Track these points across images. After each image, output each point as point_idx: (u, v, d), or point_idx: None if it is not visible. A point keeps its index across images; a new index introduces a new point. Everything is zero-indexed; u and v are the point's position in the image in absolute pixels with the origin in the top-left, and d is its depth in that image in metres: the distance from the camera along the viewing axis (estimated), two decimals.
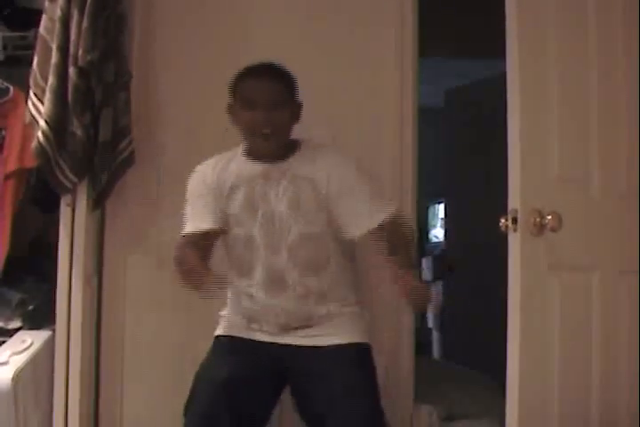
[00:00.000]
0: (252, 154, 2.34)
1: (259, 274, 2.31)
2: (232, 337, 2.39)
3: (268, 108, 2.23)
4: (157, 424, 2.71)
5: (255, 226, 2.30)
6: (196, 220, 2.33)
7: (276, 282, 2.30)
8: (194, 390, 2.32)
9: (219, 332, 2.42)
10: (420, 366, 2.82)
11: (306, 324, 2.32)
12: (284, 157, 2.32)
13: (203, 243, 2.29)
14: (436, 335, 5.69)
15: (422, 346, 4.72)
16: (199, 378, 2.33)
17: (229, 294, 2.43)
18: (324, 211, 2.29)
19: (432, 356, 5.52)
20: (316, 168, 2.30)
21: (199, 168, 2.40)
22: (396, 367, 2.63)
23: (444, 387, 3.04)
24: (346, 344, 2.31)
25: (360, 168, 2.33)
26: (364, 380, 2.29)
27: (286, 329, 2.32)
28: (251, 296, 2.33)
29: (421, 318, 5.47)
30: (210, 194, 2.33)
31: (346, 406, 2.22)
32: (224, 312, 2.44)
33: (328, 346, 2.30)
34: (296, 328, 2.32)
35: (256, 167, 2.32)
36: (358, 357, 2.32)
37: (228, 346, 2.38)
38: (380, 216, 2.25)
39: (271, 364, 2.33)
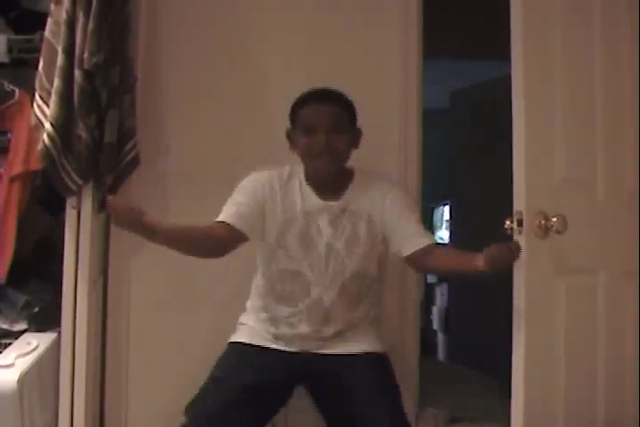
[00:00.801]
0: (313, 180, 2.35)
1: (304, 307, 2.35)
2: (253, 345, 2.40)
3: (328, 132, 2.26)
4: (163, 424, 2.70)
5: (307, 261, 2.33)
6: (233, 213, 2.29)
7: (320, 316, 2.35)
8: (206, 389, 2.32)
9: (240, 339, 2.43)
10: (425, 369, 2.82)
11: (333, 339, 2.37)
12: (342, 188, 2.36)
13: (215, 233, 2.25)
14: (441, 337, 5.68)
15: (427, 348, 4.72)
16: (215, 380, 2.34)
17: (256, 303, 2.44)
18: (377, 247, 2.36)
19: (437, 358, 5.51)
20: (371, 201, 2.35)
21: (261, 176, 2.36)
22: (400, 369, 2.62)
23: (449, 389, 3.04)
24: (374, 352, 2.38)
25: (407, 193, 2.45)
26: (392, 385, 2.34)
27: (313, 342, 2.36)
28: (290, 324, 2.37)
29: (426, 319, 5.46)
30: (262, 200, 2.32)
31: (378, 407, 2.25)
32: (245, 320, 2.46)
33: (357, 353, 2.35)
34: (324, 341, 2.36)
35: (317, 201, 2.34)
36: (386, 364, 2.39)
37: (249, 352, 2.40)
38: (431, 237, 2.37)
39: (291, 370, 2.35)
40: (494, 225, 2.25)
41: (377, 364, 2.37)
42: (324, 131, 2.26)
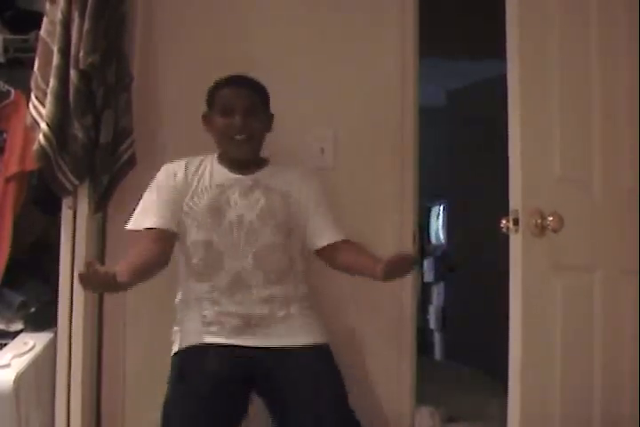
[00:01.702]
0: (226, 160, 2.43)
1: (221, 279, 2.36)
2: (192, 348, 2.38)
3: (243, 114, 2.35)
4: (159, 425, 2.70)
5: (218, 231, 2.36)
6: (154, 216, 2.37)
7: (239, 287, 2.35)
8: (165, 409, 2.32)
9: (177, 348, 2.41)
10: (422, 367, 2.82)
11: (265, 323, 2.35)
12: (255, 169, 2.43)
13: (152, 246, 2.32)
14: (437, 336, 5.69)
15: (424, 347, 4.73)
16: (168, 400, 2.32)
17: (181, 305, 2.46)
18: (290, 223, 2.40)
19: (433, 357, 5.52)
20: (287, 182, 2.43)
21: (169, 164, 2.46)
22: (397, 368, 2.63)
23: (446, 388, 3.04)
24: (312, 344, 2.37)
25: (323, 187, 2.48)
26: (334, 378, 2.33)
27: (246, 327, 2.34)
28: (212, 301, 2.37)
29: (423, 318, 5.47)
30: (174, 192, 2.39)
31: (319, 405, 2.25)
32: (177, 328, 2.46)
33: (294, 346, 2.34)
34: (255, 326, 2.35)
35: (228, 175, 2.41)
36: (325, 356, 2.38)
37: (192, 359, 2.37)
38: (342, 233, 2.43)
39: (237, 367, 2.33)
40: (490, 224, 2.25)
41: (316, 357, 2.35)
42: (241, 112, 2.35)
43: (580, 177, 2.38)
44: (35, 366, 2.63)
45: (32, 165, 2.59)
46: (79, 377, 2.62)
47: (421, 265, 5.35)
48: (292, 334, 2.37)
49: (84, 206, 2.62)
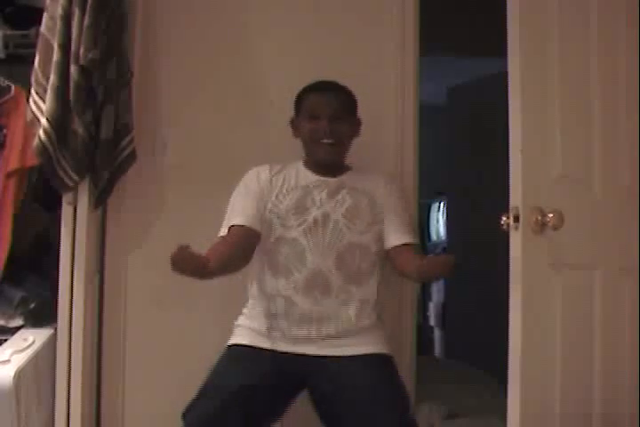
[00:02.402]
0: (312, 164, 2.47)
1: (301, 277, 2.35)
2: (251, 346, 2.39)
3: (330, 119, 2.40)
4: (159, 421, 2.70)
5: (303, 229, 2.37)
6: (240, 215, 2.39)
7: (317, 286, 2.35)
8: (201, 395, 2.30)
9: (236, 341, 2.42)
10: (422, 365, 2.82)
11: (336, 335, 2.34)
12: (340, 173, 2.48)
13: (238, 240, 2.34)
14: (437, 333, 5.69)
15: (424, 344, 4.73)
16: (212, 383, 2.32)
17: (252, 301, 2.45)
18: (377, 224, 2.42)
19: (433, 354, 5.52)
20: (372, 184, 2.47)
21: (254, 168, 2.48)
22: (397, 366, 2.62)
23: (446, 385, 3.04)
24: (375, 353, 2.36)
25: (403, 193, 2.58)
26: (396, 390, 2.30)
27: (315, 338, 2.34)
28: (287, 299, 2.36)
29: (423, 316, 5.47)
30: (259, 193, 2.41)
31: (380, 416, 2.21)
32: (241, 322, 2.46)
33: (357, 355, 2.33)
34: (322, 338, 2.34)
35: (314, 177, 2.45)
36: (389, 367, 2.36)
37: (247, 354, 2.38)
38: (416, 237, 2.48)
39: (291, 373, 2.33)
40: (491, 221, 2.25)
41: (377, 364, 2.34)
42: (327, 117, 2.39)
43: (581, 175, 2.37)
44: (35, 361, 2.63)
45: (32, 160, 2.59)
46: (79, 373, 2.62)
47: None
48: (361, 344, 2.36)
49: (84, 202, 2.62)
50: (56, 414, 2.62)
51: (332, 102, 2.42)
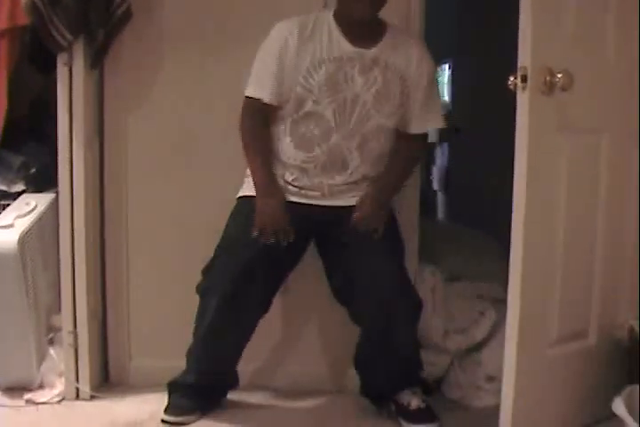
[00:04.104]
0: (345, 22, 2.33)
1: (322, 152, 2.36)
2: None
3: None
4: (164, 277, 2.77)
5: (332, 107, 2.33)
6: (264, 86, 2.34)
7: (336, 164, 2.38)
8: (225, 250, 2.39)
9: (247, 192, 2.44)
10: (425, 228, 2.83)
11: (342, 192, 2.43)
12: (375, 40, 2.34)
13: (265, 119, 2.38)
14: (440, 197, 5.71)
15: (427, 208, 4.75)
16: (231, 240, 2.40)
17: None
18: (404, 107, 2.39)
19: (436, 217, 5.55)
20: (405, 61, 2.36)
21: (284, 26, 2.35)
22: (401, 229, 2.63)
23: (448, 248, 3.06)
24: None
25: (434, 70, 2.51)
26: (396, 240, 2.47)
27: (321, 197, 2.41)
28: (302, 170, 2.39)
29: (427, 179, 5.47)
30: (285, 61, 2.32)
31: (379, 263, 2.38)
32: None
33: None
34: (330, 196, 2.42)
35: (348, 47, 2.32)
36: (391, 218, 2.48)
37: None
38: (438, 123, 2.52)
39: (299, 223, 2.38)
40: (497, 82, 2.19)
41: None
42: None
43: (594, 35, 2.29)
44: (38, 225, 2.65)
45: (24, 19, 2.50)
46: (82, 236, 2.64)
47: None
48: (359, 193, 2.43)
49: (79, 63, 2.55)
50: (62, 275, 2.66)
51: None
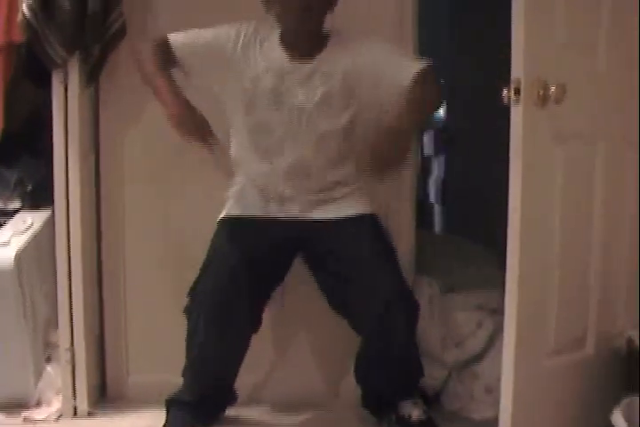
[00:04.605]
0: (285, 40, 2.35)
1: (280, 164, 2.38)
2: (242, 218, 2.45)
3: None
4: (161, 294, 2.76)
5: (280, 117, 2.35)
6: (183, 36, 2.38)
7: (298, 172, 2.38)
8: (204, 270, 2.40)
9: (229, 212, 2.46)
10: (421, 240, 2.83)
11: (319, 207, 2.43)
12: (316, 51, 2.35)
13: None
14: (437, 209, 5.71)
15: (424, 220, 4.75)
16: (213, 259, 2.41)
17: (235, 170, 2.49)
18: (351, 107, 2.38)
19: (433, 230, 5.55)
20: (350, 60, 2.34)
21: (243, 24, 2.38)
22: (397, 241, 2.63)
23: (445, 260, 3.06)
24: (362, 214, 2.45)
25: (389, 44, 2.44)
26: (386, 245, 2.47)
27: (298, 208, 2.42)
28: (268, 182, 2.41)
29: (423, 191, 5.48)
30: (224, 48, 2.35)
31: (373, 268, 2.38)
32: (232, 190, 2.49)
33: (345, 217, 2.43)
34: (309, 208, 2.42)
35: (287, 59, 2.35)
36: (375, 224, 2.48)
37: (239, 226, 2.45)
38: (418, 65, 2.34)
39: (283, 240, 2.42)
40: (491, 95, 2.20)
41: (365, 225, 2.45)
42: None
43: (585, 44, 2.30)
44: (34, 243, 2.65)
45: (19, 36, 2.51)
46: (79, 253, 2.64)
47: (421, 138, 5.31)
48: (345, 206, 2.44)
49: (75, 80, 2.56)
50: (59, 292, 2.65)
51: None
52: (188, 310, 2.41)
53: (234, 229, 2.43)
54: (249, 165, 2.44)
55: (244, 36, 2.35)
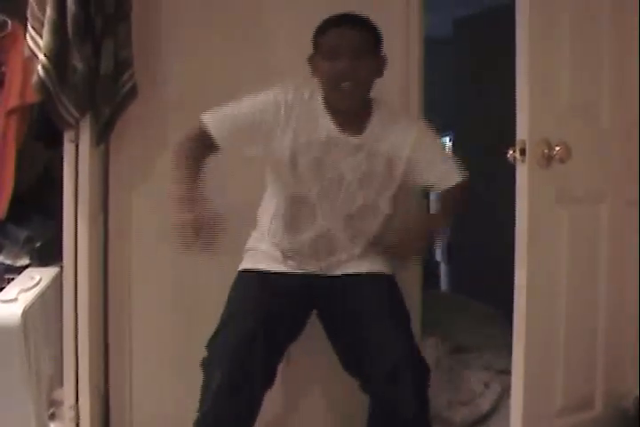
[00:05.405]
0: (331, 108, 2.26)
1: (307, 235, 2.35)
2: (261, 272, 2.41)
3: (351, 57, 2.16)
4: (166, 352, 2.75)
5: (316, 189, 2.31)
6: (223, 123, 2.28)
7: (325, 247, 2.36)
8: (222, 324, 2.35)
9: (247, 266, 2.43)
10: (428, 299, 2.83)
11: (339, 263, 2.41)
12: (362, 121, 2.28)
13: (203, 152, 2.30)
14: (443, 268, 5.71)
15: (430, 279, 4.75)
16: (231, 313, 2.36)
17: (259, 227, 2.45)
18: (392, 186, 2.35)
19: (439, 289, 5.54)
20: (394, 138, 2.30)
21: (282, 90, 2.26)
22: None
23: (452, 319, 3.06)
24: (381, 273, 2.40)
25: (432, 131, 2.40)
26: (399, 309, 2.38)
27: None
28: (291, 251, 2.38)
29: (429, 250, 5.48)
30: (266, 121, 2.24)
31: (385, 328, 2.30)
32: (252, 243, 2.46)
33: (362, 273, 2.38)
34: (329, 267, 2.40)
35: (334, 131, 2.26)
36: (391, 284, 2.41)
37: (258, 280, 2.41)
38: (459, 176, 2.37)
39: (300, 295, 2.37)
40: (497, 155, 2.23)
41: (383, 285, 2.40)
42: (348, 55, 2.16)
43: (589, 106, 2.34)
44: (41, 300, 2.65)
45: (32, 97, 2.56)
46: (86, 310, 2.63)
47: (428, 198, 5.34)
48: (361, 265, 2.40)
49: (86, 139, 2.59)
50: (64, 350, 2.65)
51: (353, 38, 2.17)
52: (206, 363, 2.40)
53: (252, 283, 2.39)
54: (275, 229, 2.40)
55: (285, 104, 2.24)
